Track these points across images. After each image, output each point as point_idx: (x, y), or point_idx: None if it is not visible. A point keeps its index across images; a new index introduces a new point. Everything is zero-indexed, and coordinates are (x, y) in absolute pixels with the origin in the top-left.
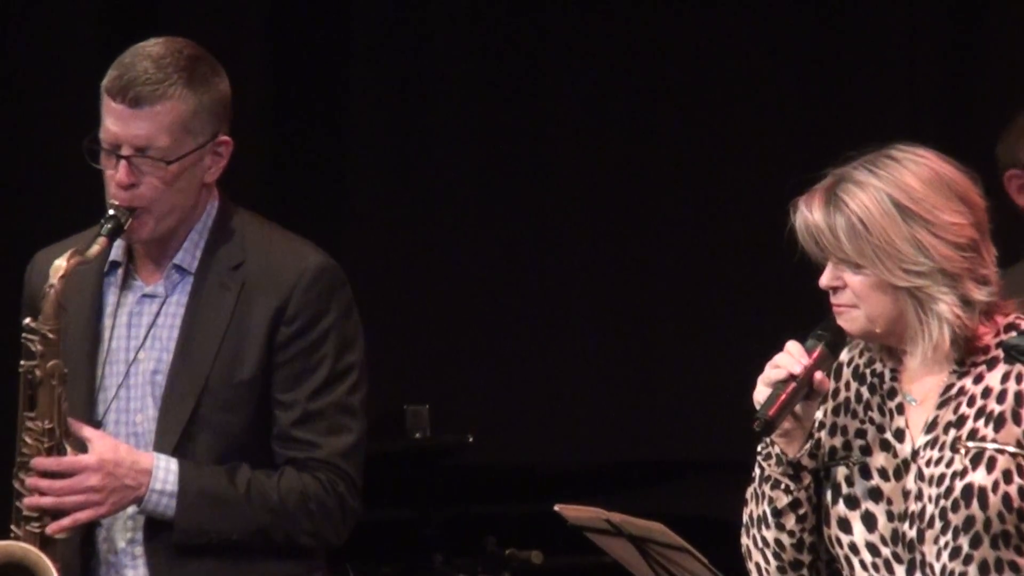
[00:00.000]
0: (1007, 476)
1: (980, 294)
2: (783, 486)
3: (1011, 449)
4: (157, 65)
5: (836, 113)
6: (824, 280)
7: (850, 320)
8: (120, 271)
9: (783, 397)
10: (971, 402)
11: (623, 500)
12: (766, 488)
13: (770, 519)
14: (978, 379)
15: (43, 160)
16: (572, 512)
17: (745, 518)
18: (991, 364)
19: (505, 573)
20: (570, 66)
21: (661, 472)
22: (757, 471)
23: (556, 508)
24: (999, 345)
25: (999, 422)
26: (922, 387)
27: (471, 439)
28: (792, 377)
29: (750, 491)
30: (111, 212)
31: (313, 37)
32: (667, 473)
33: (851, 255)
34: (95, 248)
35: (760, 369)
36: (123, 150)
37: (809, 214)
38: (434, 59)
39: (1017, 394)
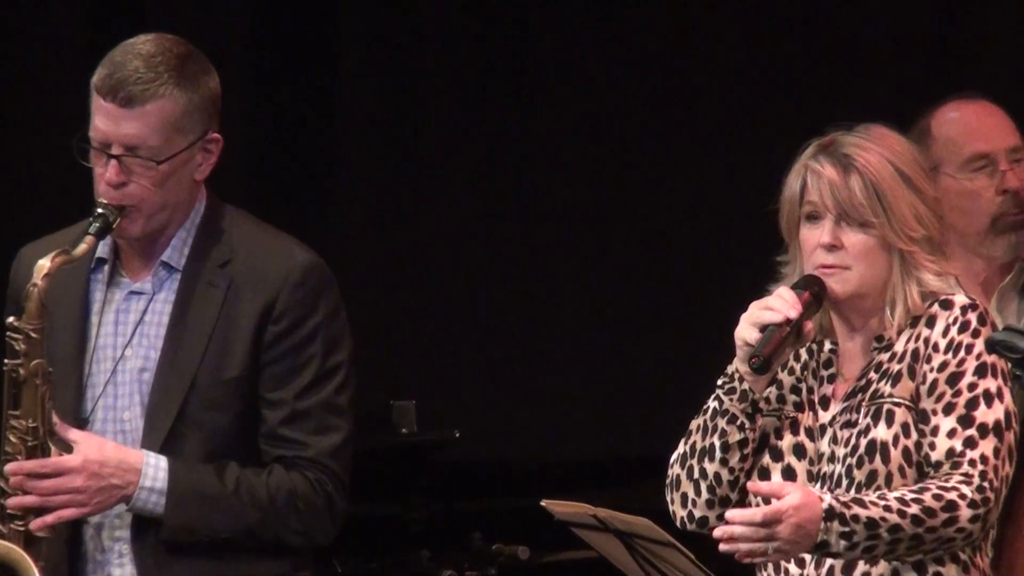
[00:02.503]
0: (905, 430)
1: (951, 267)
2: (739, 422)
3: (905, 401)
4: (148, 64)
5: (829, 117)
6: (826, 237)
7: (842, 281)
8: (106, 268)
9: (777, 338)
10: (878, 368)
11: (610, 495)
12: (721, 422)
13: (718, 452)
14: (888, 348)
15: (32, 155)
16: (559, 507)
17: (683, 448)
18: (899, 334)
19: (492, 568)
20: (561, 59)
21: (648, 467)
22: (714, 404)
23: (543, 503)
24: (986, 341)
25: (896, 378)
26: (851, 366)
27: (458, 435)
28: (787, 321)
29: (696, 423)
30: (99, 211)
31: (299, 31)
32: (654, 469)
33: (864, 212)
34: (82, 247)
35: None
36: (113, 149)
37: (822, 169)
38: (423, 53)
39: (915, 351)
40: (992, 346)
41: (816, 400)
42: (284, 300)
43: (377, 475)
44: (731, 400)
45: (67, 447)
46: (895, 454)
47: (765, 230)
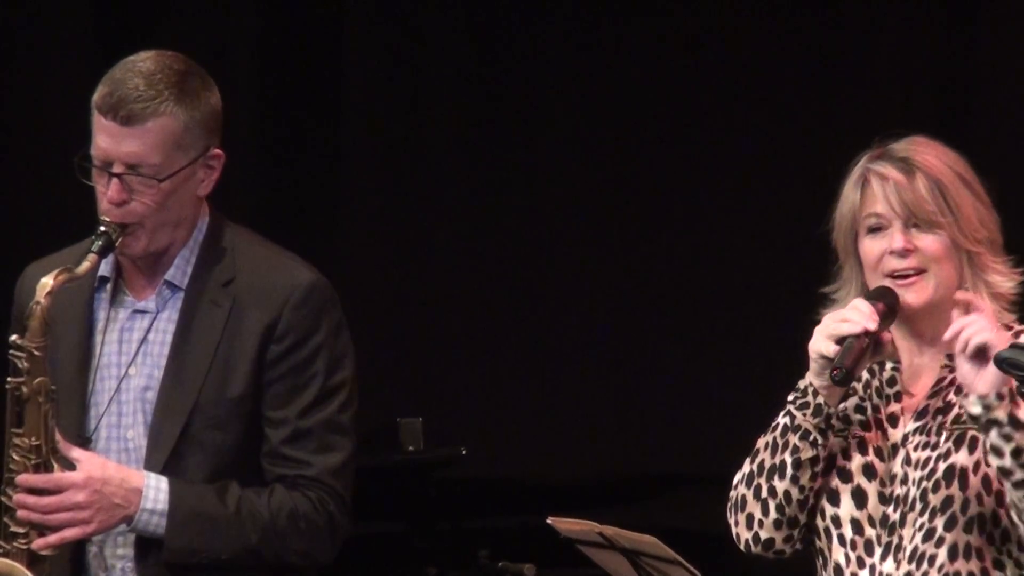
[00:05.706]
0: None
1: (1014, 271)
2: (811, 438)
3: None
4: (148, 82)
5: (832, 123)
6: (898, 242)
7: (919, 289)
8: (109, 286)
9: (858, 349)
10: (958, 391)
11: (616, 513)
12: (793, 438)
13: (789, 470)
14: None
15: (37, 173)
16: (565, 525)
17: (750, 468)
18: None
19: None
20: (564, 71)
21: (654, 485)
22: (784, 420)
23: (549, 521)
24: (995, 358)
25: None
26: (917, 382)
27: (464, 452)
28: (866, 332)
29: (764, 441)
30: (102, 228)
31: (305, 47)
32: (660, 486)
33: (933, 213)
34: (85, 265)
35: (751, 385)
36: (114, 167)
37: (885, 172)
38: (429, 69)
39: None
40: (999, 363)
41: (883, 419)
42: (287, 319)
43: (384, 492)
44: (804, 415)
45: (70, 465)
46: (974, 480)
47: (769, 248)
